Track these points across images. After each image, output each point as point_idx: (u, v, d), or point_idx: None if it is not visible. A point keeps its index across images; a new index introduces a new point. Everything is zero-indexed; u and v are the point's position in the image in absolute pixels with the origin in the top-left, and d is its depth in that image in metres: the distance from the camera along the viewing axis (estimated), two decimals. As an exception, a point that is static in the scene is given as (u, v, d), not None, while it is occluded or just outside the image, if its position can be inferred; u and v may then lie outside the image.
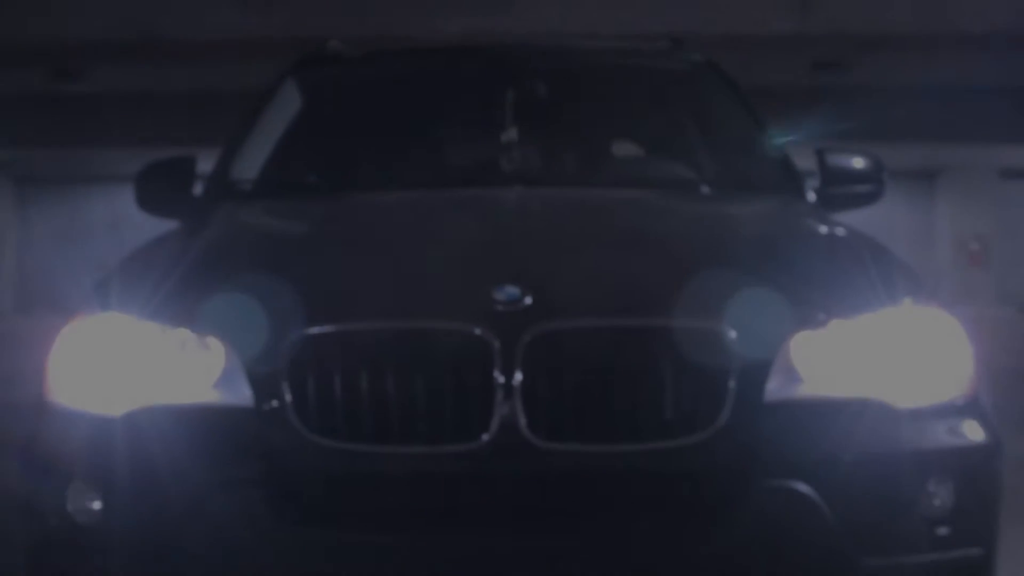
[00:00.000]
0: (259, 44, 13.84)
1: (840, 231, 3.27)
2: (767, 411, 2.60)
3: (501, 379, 2.54)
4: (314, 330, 2.61)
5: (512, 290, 2.62)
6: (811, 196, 3.83)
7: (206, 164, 4.03)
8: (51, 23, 13.25)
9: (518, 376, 2.54)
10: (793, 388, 2.64)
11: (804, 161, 3.97)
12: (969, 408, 2.76)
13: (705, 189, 3.86)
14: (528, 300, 2.61)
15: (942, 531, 2.66)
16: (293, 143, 4.22)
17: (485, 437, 2.53)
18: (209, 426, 2.64)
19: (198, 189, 3.99)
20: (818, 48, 14.06)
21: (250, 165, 4.09)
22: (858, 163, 3.94)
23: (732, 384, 2.57)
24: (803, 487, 2.55)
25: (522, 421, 2.53)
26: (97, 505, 2.65)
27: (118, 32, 13.61)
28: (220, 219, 3.51)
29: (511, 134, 4.06)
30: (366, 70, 4.59)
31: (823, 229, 3.29)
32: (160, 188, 3.99)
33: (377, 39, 13.88)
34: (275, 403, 2.59)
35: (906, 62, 14.89)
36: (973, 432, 2.73)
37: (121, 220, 26.25)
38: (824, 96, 18.15)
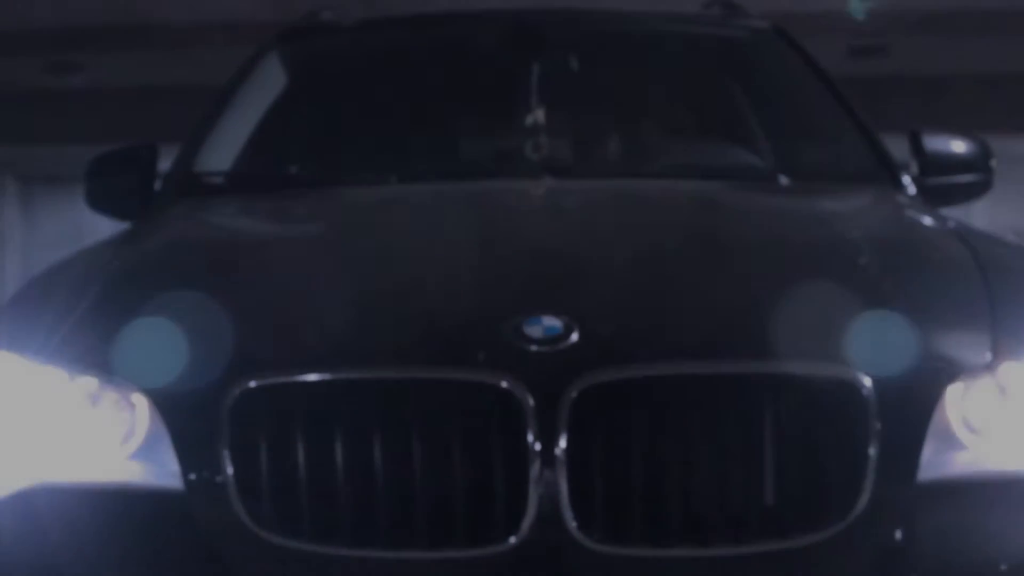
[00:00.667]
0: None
1: (978, 237, 2.48)
2: (922, 495, 1.84)
3: (538, 452, 1.77)
4: (268, 380, 1.84)
5: (551, 323, 1.86)
6: (910, 187, 3.06)
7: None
8: (50, 8, 12.61)
9: (562, 447, 1.77)
10: (955, 460, 1.87)
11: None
12: None
13: (784, 180, 3.05)
14: (575, 336, 1.84)
15: None
16: (273, 127, 3.44)
17: (514, 539, 1.77)
18: (124, 514, 1.89)
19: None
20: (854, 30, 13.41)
21: (221, 154, 3.32)
22: (961, 147, 3.19)
23: (872, 456, 1.81)
24: None
25: (568, 514, 1.77)
26: None
27: (116, 17, 12.96)
28: (164, 224, 2.75)
29: (538, 116, 3.23)
30: (363, 42, 3.81)
31: (954, 235, 2.48)
32: (114, 184, 3.25)
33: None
34: (213, 482, 1.83)
35: (943, 46, 14.19)
36: None
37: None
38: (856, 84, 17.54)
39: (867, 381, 1.83)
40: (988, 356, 1.93)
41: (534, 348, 1.83)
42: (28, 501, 1.91)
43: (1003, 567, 1.82)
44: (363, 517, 1.80)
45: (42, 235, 28.09)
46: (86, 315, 2.08)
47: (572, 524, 1.77)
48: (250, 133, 3.40)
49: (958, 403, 1.90)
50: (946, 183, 3.14)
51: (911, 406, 1.85)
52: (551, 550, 1.76)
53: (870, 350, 1.86)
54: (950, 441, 1.87)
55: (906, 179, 3.07)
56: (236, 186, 3.16)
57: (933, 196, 3.10)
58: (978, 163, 3.19)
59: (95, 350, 1.97)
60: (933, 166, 3.13)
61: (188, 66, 15.37)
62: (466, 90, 3.51)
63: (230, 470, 1.82)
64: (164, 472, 1.87)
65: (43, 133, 20.37)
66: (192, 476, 1.85)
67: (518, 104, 3.27)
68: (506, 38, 3.61)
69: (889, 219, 2.71)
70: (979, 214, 23.08)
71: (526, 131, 3.18)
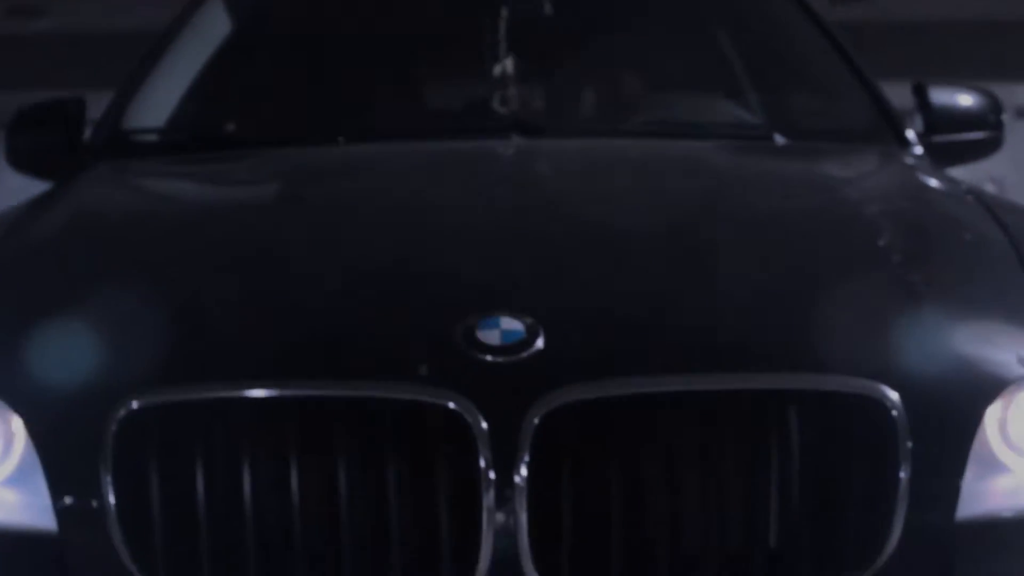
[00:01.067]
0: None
1: (1003, 207, 2.16)
2: (964, 533, 1.54)
3: (492, 484, 1.46)
4: (159, 397, 1.52)
5: (511, 326, 1.54)
6: (916, 146, 2.76)
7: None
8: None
9: (521, 479, 1.46)
10: (999, 489, 1.56)
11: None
12: None
13: (780, 139, 2.73)
14: (539, 343, 1.52)
15: None
16: (214, 79, 3.10)
17: None
18: None
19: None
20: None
21: (156, 109, 2.98)
22: (970, 102, 2.93)
23: (903, 486, 1.50)
24: None
25: (527, 561, 1.46)
26: None
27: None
28: (71, 195, 2.43)
29: (506, 65, 2.89)
30: None
31: (980, 208, 2.15)
32: (38, 141, 2.92)
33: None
34: (91, 519, 1.52)
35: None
36: None
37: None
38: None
39: (896, 397, 1.52)
40: None
41: (489, 358, 1.52)
42: None
43: None
44: (279, 562, 1.48)
45: (7, 184, 27.73)
46: None
47: (532, 569, 1.47)
48: (189, 85, 3.06)
49: (1002, 424, 1.59)
50: (955, 141, 2.87)
51: (949, 426, 1.55)
52: None
53: (899, 360, 1.57)
54: (994, 468, 1.56)
55: (911, 136, 2.79)
56: (167, 146, 2.85)
57: (940, 155, 2.82)
58: (988, 119, 2.92)
59: None
60: (941, 122, 2.86)
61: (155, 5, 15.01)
62: (427, 36, 3.18)
63: (112, 502, 1.50)
64: (36, 509, 1.54)
65: (7, 79, 19.86)
66: (66, 510, 1.53)
67: (485, 52, 2.93)
68: None
69: (904, 189, 2.42)
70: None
71: (493, 83, 2.85)
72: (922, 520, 1.52)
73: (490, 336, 1.53)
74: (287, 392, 1.52)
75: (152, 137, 2.89)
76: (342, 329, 1.62)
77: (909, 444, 1.52)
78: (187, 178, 2.53)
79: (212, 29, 3.31)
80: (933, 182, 2.49)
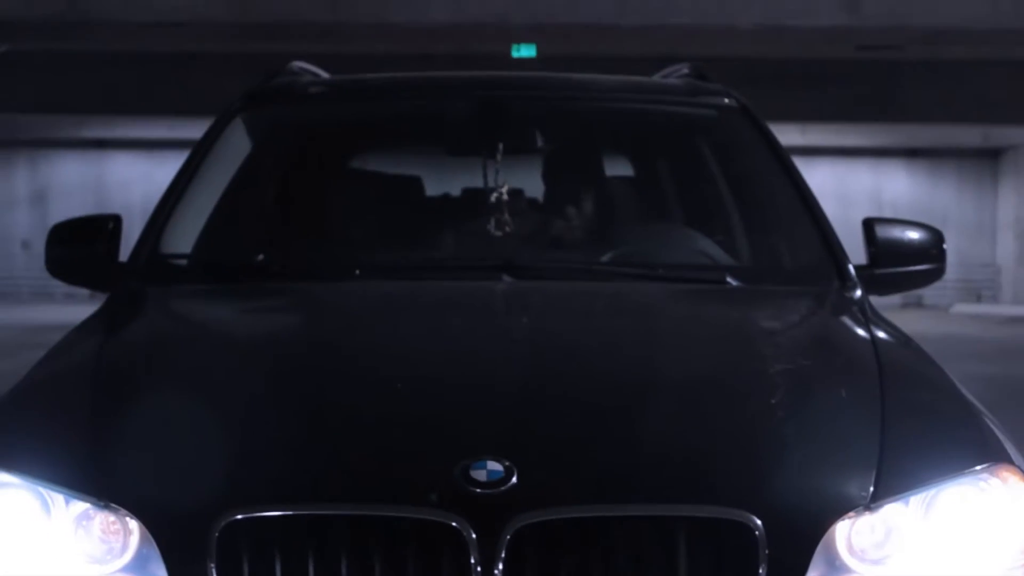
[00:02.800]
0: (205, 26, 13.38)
1: (896, 363, 2.74)
2: None
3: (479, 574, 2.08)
4: (252, 513, 2.13)
5: (494, 467, 2.14)
6: (855, 288, 3.21)
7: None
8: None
9: (500, 571, 2.08)
10: None
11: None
12: None
13: (732, 282, 3.26)
14: (514, 480, 2.14)
15: None
16: (238, 205, 3.66)
17: None
18: None
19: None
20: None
21: (186, 232, 3.51)
22: (914, 236, 3.36)
23: None
24: None
25: None
26: None
27: (44, 8, 12.98)
28: (139, 327, 2.99)
29: (501, 195, 3.44)
30: (327, 111, 3.97)
31: (872, 360, 2.69)
32: (77, 254, 3.43)
33: (348, 28, 13.58)
34: None
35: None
36: None
37: (47, 191, 25.62)
38: (873, 70, 17.78)
39: (759, 523, 2.13)
40: (869, 494, 2.21)
41: (478, 491, 2.11)
42: None
43: None
44: None
45: None
46: (78, 434, 2.32)
47: None
48: (215, 208, 3.58)
49: (846, 536, 2.18)
50: (897, 274, 3.31)
51: (797, 542, 2.15)
52: None
53: (765, 493, 2.17)
54: (836, 568, 2.17)
55: (852, 274, 3.20)
56: (202, 273, 3.37)
57: (883, 285, 3.30)
58: (930, 251, 3.34)
59: (90, 474, 2.22)
60: (886, 257, 3.30)
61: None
62: (430, 169, 3.78)
63: None
64: None
65: None
66: None
67: (479, 195, 3.51)
68: (469, 114, 3.80)
69: (821, 342, 2.92)
70: (1004, 207, 23.12)
71: (487, 221, 3.39)
72: None
73: (480, 475, 2.13)
74: (341, 511, 2.12)
75: (185, 264, 3.41)
76: (382, 468, 2.21)
77: (767, 551, 2.12)
78: (232, 312, 3.12)
79: (233, 153, 3.77)
80: (861, 332, 2.90)
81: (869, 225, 3.34)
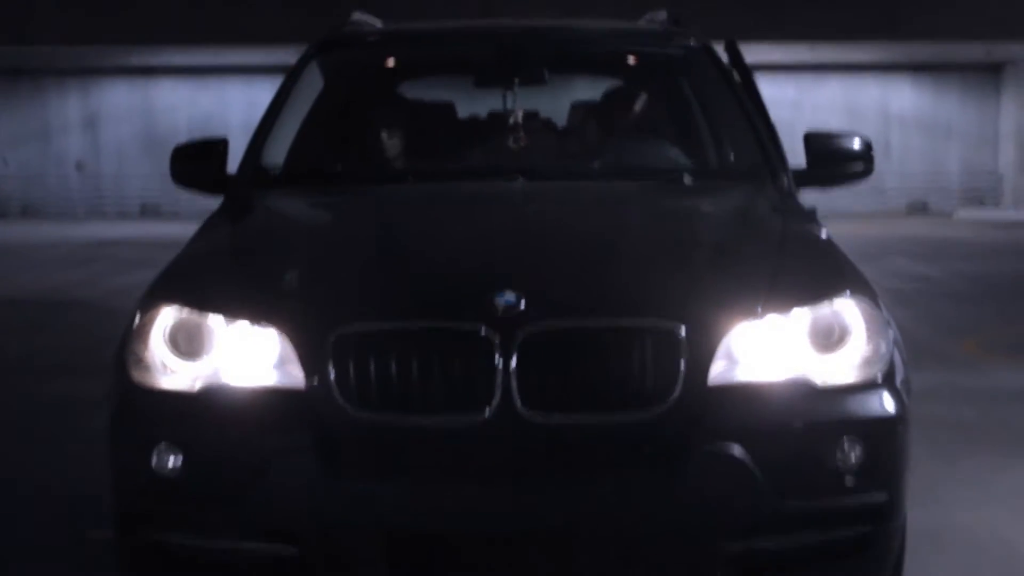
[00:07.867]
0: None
1: (793, 229, 3.89)
2: (710, 391, 3.24)
3: (501, 366, 3.19)
4: (354, 328, 3.25)
5: (510, 297, 3.25)
6: (786, 181, 4.32)
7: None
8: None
9: (514, 364, 3.19)
10: (732, 372, 3.28)
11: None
12: (882, 385, 3.33)
13: (687, 179, 4.40)
14: (522, 305, 3.25)
15: (850, 481, 3.28)
16: (312, 131, 4.81)
17: (488, 410, 3.18)
18: (268, 402, 3.27)
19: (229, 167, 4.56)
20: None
21: (277, 150, 4.69)
22: (845, 143, 4.47)
23: (682, 369, 3.22)
24: (737, 449, 3.18)
25: (517, 398, 3.18)
26: (178, 462, 3.25)
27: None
28: (259, 216, 4.17)
29: (516, 119, 4.71)
30: (381, 54, 5.17)
31: (777, 227, 3.87)
32: (193, 168, 4.59)
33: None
34: (322, 384, 3.22)
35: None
36: (882, 405, 3.31)
37: (98, 117, 26.46)
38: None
39: (682, 329, 3.24)
40: (760, 310, 3.31)
41: (500, 312, 3.23)
42: (209, 395, 3.29)
43: (751, 428, 3.22)
44: (406, 400, 3.19)
45: (7, 133, 27.69)
46: (235, 279, 3.50)
47: (519, 404, 3.18)
48: (299, 132, 4.77)
49: (739, 339, 3.28)
50: (831, 173, 4.46)
51: (707, 342, 3.25)
52: (508, 415, 3.17)
53: (687, 309, 3.27)
54: (731, 361, 3.26)
55: (784, 173, 4.33)
56: (291, 180, 4.57)
57: (824, 180, 4.43)
58: (860, 155, 4.47)
59: (245, 305, 3.36)
60: (819, 161, 4.44)
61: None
62: (463, 100, 5.02)
63: (332, 377, 3.22)
64: (291, 378, 3.25)
65: (5, 27, 20.37)
66: (310, 380, 3.24)
67: (501, 118, 4.77)
68: (494, 55, 4.99)
69: (741, 215, 4.07)
70: (1006, 120, 26.14)
71: (507, 135, 4.66)
72: (690, 383, 3.19)
73: (501, 302, 3.23)
74: (409, 325, 3.24)
75: (279, 173, 4.60)
76: (433, 297, 3.33)
77: (687, 350, 3.19)
78: (324, 204, 4.31)
79: (309, 90, 4.95)
80: (771, 211, 4.08)
81: (808, 139, 4.49)
